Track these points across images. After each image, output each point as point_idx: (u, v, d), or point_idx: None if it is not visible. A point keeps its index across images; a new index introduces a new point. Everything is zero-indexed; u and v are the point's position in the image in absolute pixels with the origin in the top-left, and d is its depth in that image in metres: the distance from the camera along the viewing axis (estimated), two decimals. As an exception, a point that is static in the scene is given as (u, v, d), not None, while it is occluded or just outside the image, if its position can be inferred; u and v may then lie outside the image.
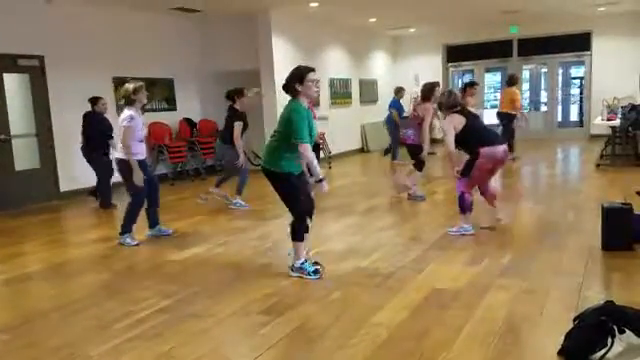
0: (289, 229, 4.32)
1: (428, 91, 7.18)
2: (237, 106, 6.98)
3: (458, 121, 5.22)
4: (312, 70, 4.11)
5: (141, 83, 5.50)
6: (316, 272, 4.27)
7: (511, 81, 10.71)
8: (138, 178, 5.41)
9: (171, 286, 4.27)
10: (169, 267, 4.86)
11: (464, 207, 5.30)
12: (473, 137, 5.21)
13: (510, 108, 10.38)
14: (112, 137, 7.45)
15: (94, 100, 7.70)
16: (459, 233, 5.30)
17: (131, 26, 9.73)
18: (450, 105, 5.32)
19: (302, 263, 4.31)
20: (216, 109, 10.28)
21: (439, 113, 6.76)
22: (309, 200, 4.39)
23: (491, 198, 5.56)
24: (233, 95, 7.00)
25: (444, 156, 10.61)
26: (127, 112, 5.38)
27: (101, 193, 7.81)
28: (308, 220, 4.35)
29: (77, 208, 7.96)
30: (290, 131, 4.04)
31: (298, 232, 4.27)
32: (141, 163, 5.50)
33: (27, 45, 8.11)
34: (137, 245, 5.56)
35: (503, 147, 5.25)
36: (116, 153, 5.62)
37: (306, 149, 4.05)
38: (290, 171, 4.20)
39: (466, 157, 5.32)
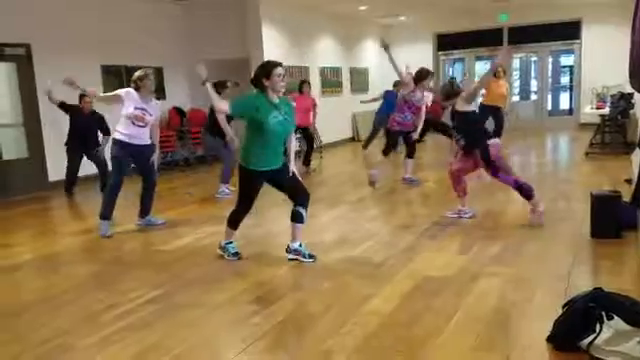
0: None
1: (422, 76, 7.15)
2: (222, 97, 7.10)
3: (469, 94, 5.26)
4: (279, 65, 4.17)
5: (146, 71, 5.60)
6: (235, 254, 4.54)
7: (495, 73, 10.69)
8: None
9: (160, 276, 4.25)
10: (158, 257, 4.83)
11: (528, 192, 5.06)
12: (481, 130, 5.28)
13: (492, 100, 10.35)
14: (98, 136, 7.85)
15: (80, 97, 7.67)
16: (539, 220, 5.05)
17: (119, 14, 9.62)
18: (455, 93, 5.30)
19: (227, 243, 4.56)
20: (205, 98, 10.17)
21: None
22: (302, 190, 4.39)
23: (463, 188, 5.43)
24: (217, 87, 7.15)
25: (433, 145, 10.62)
26: (127, 88, 5.54)
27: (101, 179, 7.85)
28: (302, 210, 4.36)
29: (66, 198, 7.89)
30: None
31: (232, 219, 4.47)
32: (131, 146, 5.49)
33: (13, 34, 7.99)
34: (110, 237, 5.49)
35: (497, 140, 5.35)
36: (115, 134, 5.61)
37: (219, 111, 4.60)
38: (245, 165, 4.23)
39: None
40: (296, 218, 4.38)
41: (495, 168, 5.14)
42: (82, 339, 3.20)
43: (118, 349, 3.05)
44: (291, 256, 4.43)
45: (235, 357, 2.91)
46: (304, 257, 4.38)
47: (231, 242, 4.57)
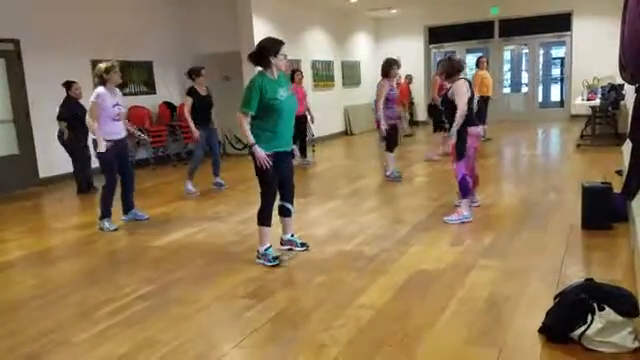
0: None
1: (387, 67, 7.11)
2: (195, 85, 7.15)
3: (466, 89, 4.96)
4: (283, 43, 4.16)
5: (113, 63, 5.49)
6: (275, 259, 4.22)
7: (479, 64, 10.74)
8: (101, 146, 5.33)
9: (154, 272, 4.25)
10: (152, 253, 4.82)
11: (466, 191, 5.08)
12: (468, 118, 5.05)
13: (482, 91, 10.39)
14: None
15: (67, 85, 7.56)
16: (459, 221, 5.05)
17: (109, 8, 9.53)
18: (456, 70, 5.07)
19: (266, 249, 4.27)
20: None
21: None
22: (291, 183, 4.38)
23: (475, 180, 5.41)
24: (191, 74, 7.20)
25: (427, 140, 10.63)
26: (96, 90, 5.40)
27: (76, 178, 7.73)
28: (289, 205, 4.36)
29: (57, 194, 7.85)
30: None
31: (260, 215, 4.26)
32: (117, 142, 5.48)
33: (1, 29, 7.90)
34: (115, 230, 5.52)
35: (482, 127, 5.22)
36: (91, 135, 5.56)
37: (240, 118, 4.04)
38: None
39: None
40: (284, 212, 4.41)
41: (461, 156, 5.04)
42: (76, 334, 3.19)
43: (113, 344, 3.05)
44: (285, 247, 4.48)
45: (229, 351, 2.91)
46: (297, 246, 4.46)
47: (269, 247, 4.27)
